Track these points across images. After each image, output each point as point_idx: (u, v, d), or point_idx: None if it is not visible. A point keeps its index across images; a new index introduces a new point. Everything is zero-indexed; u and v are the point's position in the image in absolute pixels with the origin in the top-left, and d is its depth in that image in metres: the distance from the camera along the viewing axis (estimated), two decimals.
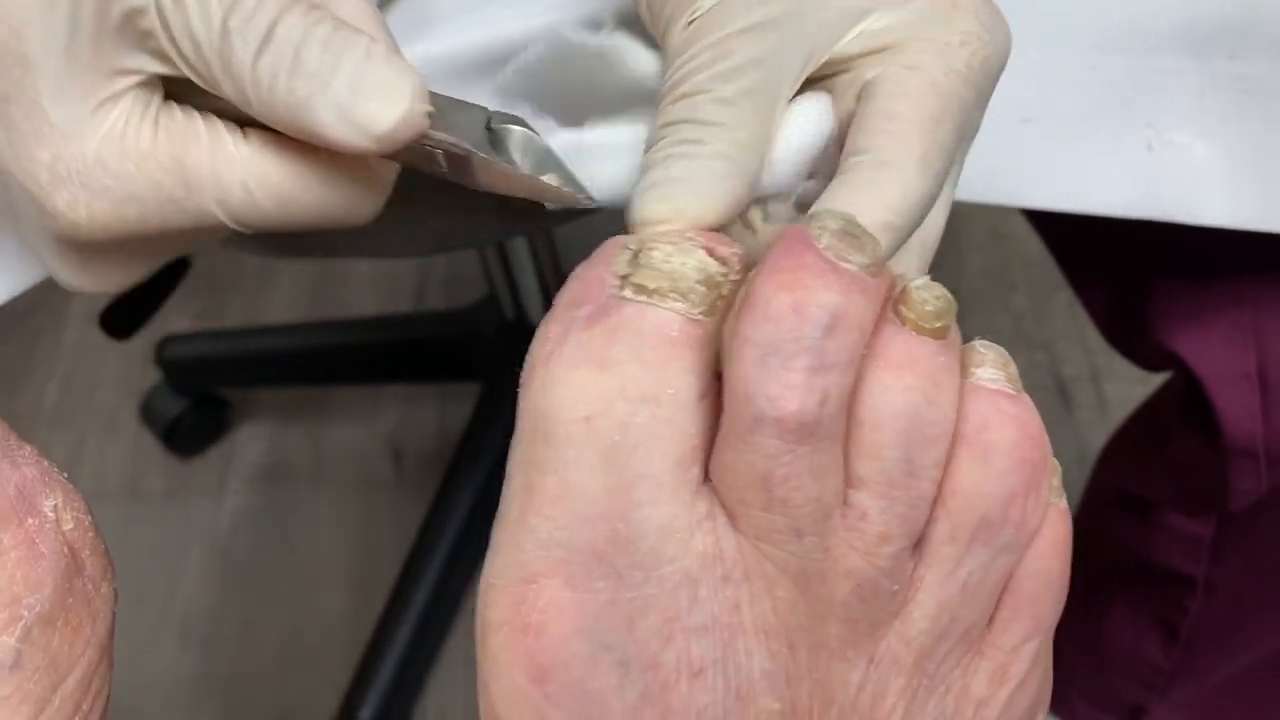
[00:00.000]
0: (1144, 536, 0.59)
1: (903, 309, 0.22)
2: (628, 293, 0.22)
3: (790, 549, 0.21)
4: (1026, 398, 0.23)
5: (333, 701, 0.88)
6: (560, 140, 0.30)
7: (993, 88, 0.28)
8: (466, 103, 0.27)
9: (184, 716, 0.93)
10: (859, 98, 0.26)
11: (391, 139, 0.24)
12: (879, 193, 0.24)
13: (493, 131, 0.27)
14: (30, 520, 0.22)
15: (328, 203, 0.26)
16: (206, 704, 0.93)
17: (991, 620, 0.23)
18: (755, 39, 0.25)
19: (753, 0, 0.25)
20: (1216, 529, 0.55)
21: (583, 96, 0.29)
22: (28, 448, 0.23)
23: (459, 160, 0.26)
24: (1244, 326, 0.45)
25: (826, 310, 0.21)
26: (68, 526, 0.23)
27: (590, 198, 0.27)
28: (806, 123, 0.27)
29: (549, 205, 0.28)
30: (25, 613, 0.22)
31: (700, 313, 0.22)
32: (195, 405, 1.04)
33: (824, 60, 0.26)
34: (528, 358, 0.23)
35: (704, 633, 0.21)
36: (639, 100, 0.29)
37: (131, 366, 1.10)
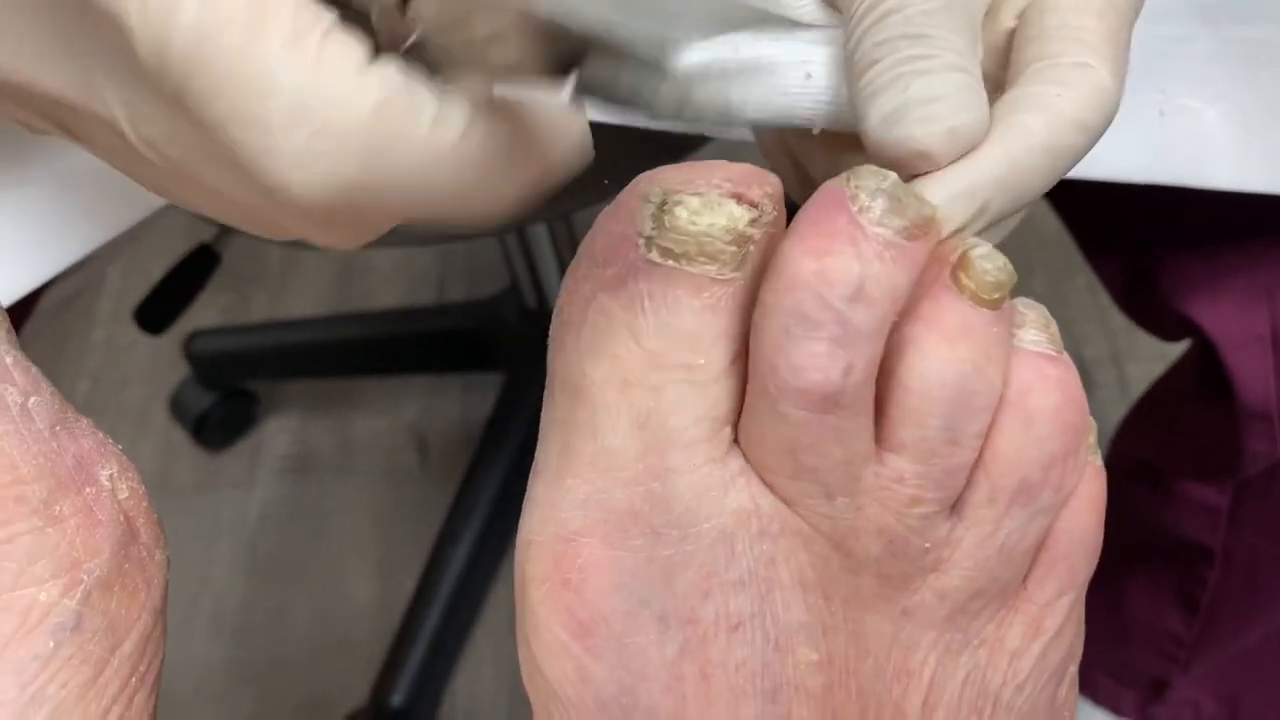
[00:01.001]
0: (1160, 508, 0.59)
1: (962, 276, 0.22)
2: (654, 255, 0.21)
3: (822, 510, 0.22)
4: (1067, 358, 0.23)
5: (363, 688, 0.90)
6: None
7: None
8: None
9: (217, 704, 0.95)
10: (1021, 16, 0.25)
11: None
12: (1084, 92, 0.23)
13: None
14: (88, 489, 0.23)
15: (261, 76, 0.17)
16: (239, 692, 0.95)
17: (1027, 575, 0.24)
18: None
19: None
20: (1232, 499, 0.55)
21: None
22: (84, 420, 0.24)
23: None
24: (1257, 290, 0.45)
25: (853, 279, 0.20)
26: (123, 495, 0.24)
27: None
28: None
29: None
30: (85, 577, 0.23)
31: (731, 270, 0.22)
32: (223, 399, 1.06)
33: None
34: (556, 312, 0.23)
35: (741, 587, 0.21)
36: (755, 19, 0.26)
37: (160, 362, 1.12)
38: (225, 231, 0.69)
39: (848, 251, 0.21)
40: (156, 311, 0.69)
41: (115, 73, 0.18)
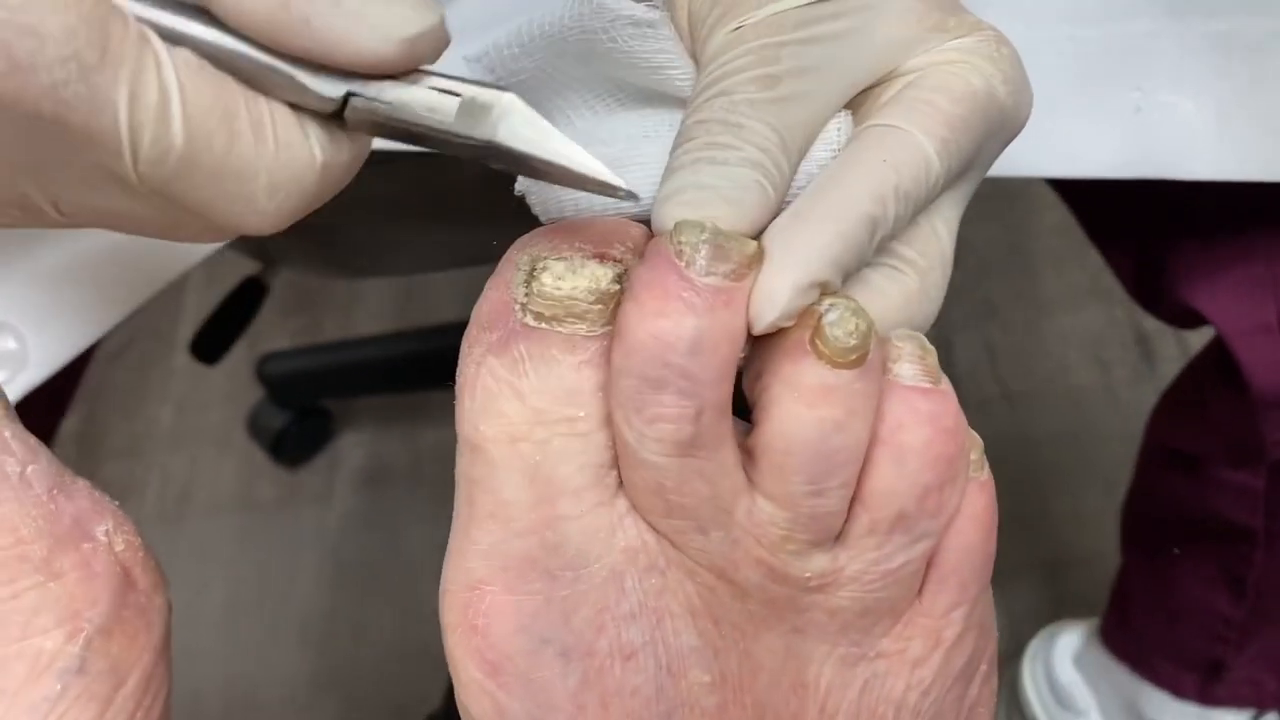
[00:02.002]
0: (1198, 492, 0.59)
1: (818, 342, 0.22)
2: (528, 319, 0.23)
3: (699, 543, 0.23)
4: (944, 387, 0.24)
5: (442, 692, 0.93)
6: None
7: (1008, 143, 0.28)
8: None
9: (303, 712, 0.99)
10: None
11: (415, 48, 0.21)
12: (899, 155, 0.24)
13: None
14: (85, 545, 0.26)
15: (248, 167, 0.21)
16: (325, 699, 0.99)
17: (921, 590, 0.25)
18: (804, 50, 0.25)
19: (810, 16, 0.25)
20: (1267, 480, 0.55)
21: (586, 86, 0.28)
22: (81, 481, 0.27)
23: (478, 110, 0.22)
24: (1262, 278, 0.45)
25: (689, 334, 0.21)
26: (119, 548, 0.26)
27: (632, 194, 0.23)
28: (832, 138, 0.26)
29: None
30: (86, 625, 0.25)
31: (601, 327, 0.23)
32: (298, 418, 1.10)
33: (869, 84, 0.26)
34: (458, 374, 0.24)
35: (633, 619, 0.23)
36: (647, 102, 0.28)
37: (238, 386, 1.17)
38: (270, 264, 0.72)
39: (680, 310, 0.22)
40: (210, 343, 0.73)
41: (56, 175, 0.22)
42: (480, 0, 0.41)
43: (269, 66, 0.21)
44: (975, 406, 1.05)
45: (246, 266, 0.75)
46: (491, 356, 0.23)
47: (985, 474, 0.25)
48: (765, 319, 0.22)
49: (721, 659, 0.23)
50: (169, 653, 0.28)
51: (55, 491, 0.26)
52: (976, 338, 1.09)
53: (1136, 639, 0.71)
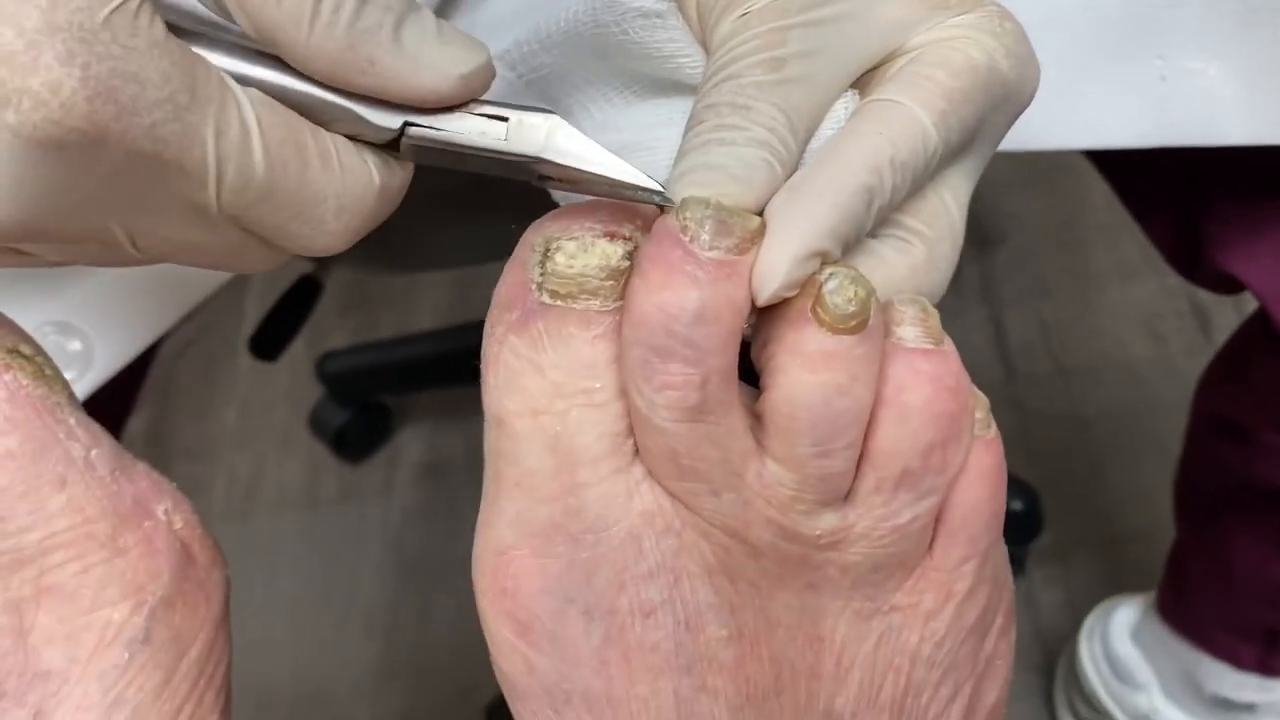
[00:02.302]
0: (1250, 461, 0.59)
1: (818, 309, 0.23)
2: (545, 298, 0.24)
3: (712, 505, 0.24)
4: (946, 347, 0.24)
5: None
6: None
7: (1015, 118, 0.28)
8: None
9: (371, 699, 1.01)
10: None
11: (469, 84, 0.23)
12: (895, 127, 0.24)
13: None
14: (147, 523, 0.27)
15: (318, 192, 0.24)
16: (390, 686, 1.02)
17: (932, 545, 0.25)
18: (809, 32, 0.25)
19: (810, 0, 0.26)
20: None
21: (604, 79, 0.29)
22: (141, 464, 0.28)
23: (525, 132, 0.24)
24: None
25: (693, 305, 0.22)
26: (178, 526, 0.28)
27: (667, 198, 0.24)
28: (839, 117, 0.26)
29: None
30: (149, 598, 0.27)
31: (614, 302, 0.24)
32: (358, 414, 1.13)
33: (875, 62, 0.26)
34: (482, 354, 0.25)
35: (651, 578, 0.24)
36: (662, 91, 0.28)
37: (299, 385, 1.20)
38: (323, 263, 0.74)
39: (684, 282, 0.23)
40: (268, 340, 0.76)
41: (140, 209, 0.24)
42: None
43: (331, 103, 0.24)
44: (1029, 383, 1.04)
45: (301, 266, 0.77)
46: (512, 335, 0.25)
47: (992, 432, 0.26)
48: (767, 289, 0.23)
49: (738, 614, 0.24)
50: (228, 625, 0.29)
51: (117, 473, 0.27)
52: (1029, 314, 1.08)
53: (1193, 611, 0.71)
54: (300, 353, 1.19)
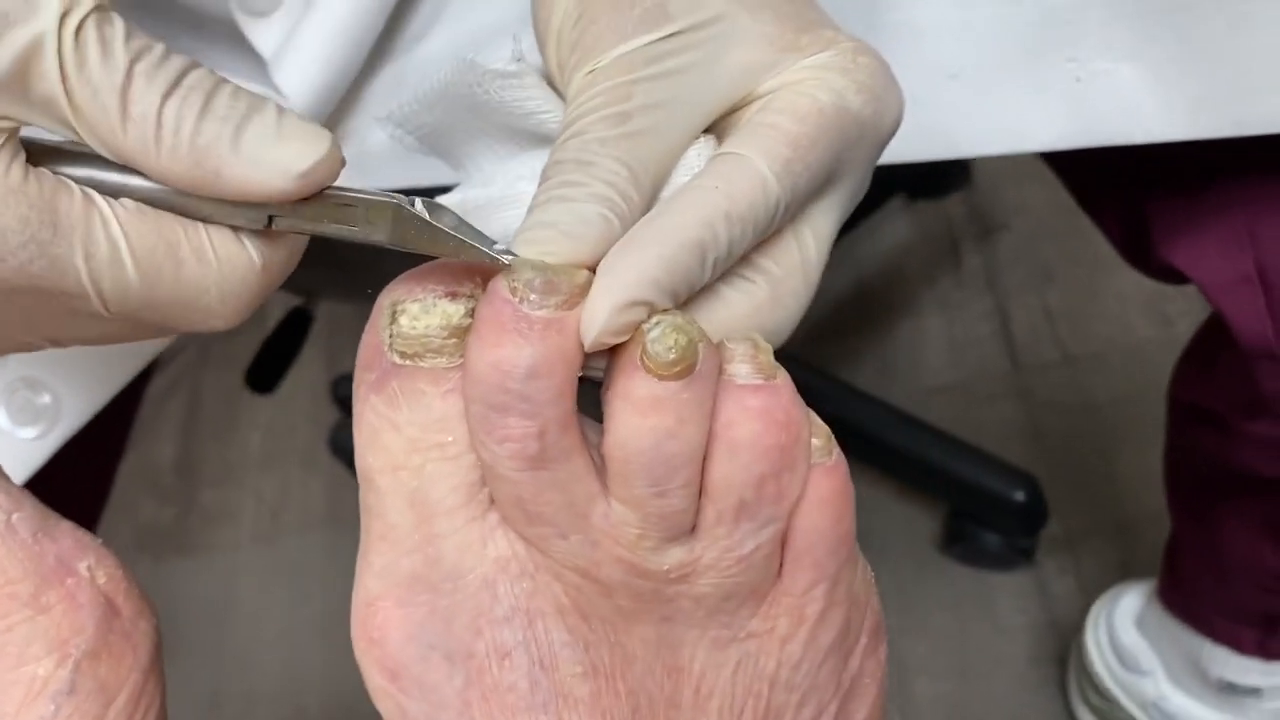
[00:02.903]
0: (1229, 448, 0.58)
1: (644, 358, 0.24)
2: (395, 358, 0.25)
3: (562, 548, 0.25)
4: (777, 381, 0.25)
5: None
6: (458, 197, 0.30)
7: (879, 150, 0.29)
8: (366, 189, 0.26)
9: None
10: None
11: (311, 178, 0.24)
12: (734, 180, 0.25)
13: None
14: (69, 580, 0.29)
15: (198, 285, 0.25)
16: None
17: (780, 571, 0.26)
18: (654, 85, 0.26)
19: (657, 52, 0.27)
20: None
21: (479, 134, 0.30)
22: (65, 523, 0.30)
23: (373, 214, 0.25)
24: (1238, 231, 0.45)
25: (524, 362, 0.24)
26: (101, 581, 0.29)
27: (510, 253, 0.25)
28: (693, 164, 0.27)
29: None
30: (74, 651, 0.28)
31: (459, 358, 0.25)
32: None
33: (726, 110, 0.27)
34: (352, 414, 0.27)
35: (507, 621, 0.25)
36: (537, 143, 0.29)
37: (319, 408, 1.22)
38: (312, 295, 0.76)
39: (515, 341, 0.24)
40: (264, 373, 0.78)
41: (43, 324, 0.26)
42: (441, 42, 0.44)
43: (198, 204, 0.25)
44: (1035, 372, 1.04)
45: (291, 299, 0.79)
46: (372, 395, 0.26)
47: (833, 459, 0.26)
48: (588, 337, 0.24)
49: (593, 651, 0.25)
50: (159, 671, 0.31)
51: (40, 535, 0.29)
52: (1034, 302, 1.08)
53: (1192, 597, 0.71)
54: (318, 377, 1.21)
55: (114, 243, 0.24)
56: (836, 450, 0.26)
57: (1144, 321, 1.04)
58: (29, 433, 0.45)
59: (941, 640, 0.93)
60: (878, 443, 0.94)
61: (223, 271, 0.25)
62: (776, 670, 0.26)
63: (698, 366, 0.24)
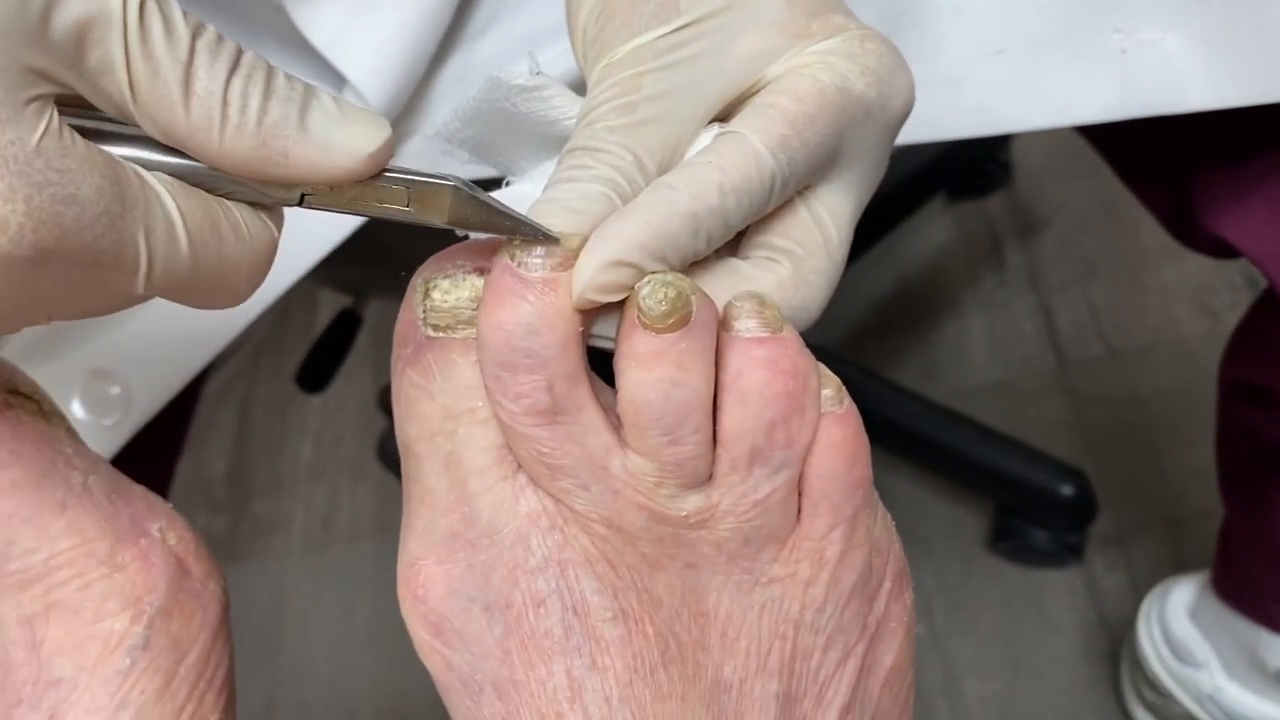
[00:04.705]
0: (1277, 424, 0.58)
1: (639, 314, 0.25)
2: (429, 331, 0.27)
3: (585, 499, 0.26)
4: (783, 334, 0.26)
5: None
6: (506, 193, 0.32)
7: (890, 133, 0.29)
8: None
9: None
10: None
11: (378, 159, 0.25)
12: (731, 160, 0.26)
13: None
14: (142, 540, 0.30)
15: (235, 262, 0.25)
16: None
17: (799, 517, 0.27)
18: (662, 76, 0.28)
19: (667, 44, 0.28)
20: None
21: (517, 143, 0.32)
22: (138, 487, 0.31)
23: (428, 195, 0.26)
24: None
25: (524, 319, 0.25)
26: (172, 542, 0.30)
27: (550, 233, 0.26)
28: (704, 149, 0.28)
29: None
30: (147, 608, 0.29)
31: None
32: None
33: (737, 95, 0.28)
34: (391, 389, 0.28)
35: (540, 571, 0.27)
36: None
37: (367, 417, 1.24)
38: (361, 295, 0.78)
39: (514, 301, 0.25)
40: (314, 374, 0.79)
41: (63, 303, 0.25)
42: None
43: (233, 181, 0.25)
44: (1081, 368, 1.03)
45: (341, 301, 0.80)
46: (408, 368, 0.27)
47: (844, 407, 0.27)
48: (575, 291, 0.25)
49: (621, 597, 0.27)
50: (227, 631, 0.32)
51: (114, 496, 0.30)
52: (1078, 298, 1.07)
53: (1246, 584, 0.70)
54: (366, 388, 1.23)
55: (170, 219, 0.24)
56: (848, 400, 0.28)
57: (1189, 315, 1.03)
58: (107, 422, 0.47)
59: (991, 639, 0.92)
60: (923, 440, 0.94)
61: (254, 248, 0.26)
62: (801, 613, 0.27)
63: (693, 316, 0.25)
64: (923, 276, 1.14)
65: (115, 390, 0.49)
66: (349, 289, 0.70)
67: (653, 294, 0.25)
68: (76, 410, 0.47)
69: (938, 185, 1.12)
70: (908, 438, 0.94)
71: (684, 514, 0.26)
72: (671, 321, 0.25)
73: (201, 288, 0.25)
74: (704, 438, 0.26)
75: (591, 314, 0.26)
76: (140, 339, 0.49)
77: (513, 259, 0.26)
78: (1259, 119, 0.42)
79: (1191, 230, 0.50)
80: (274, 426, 1.28)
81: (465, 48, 0.46)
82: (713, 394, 0.26)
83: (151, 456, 0.56)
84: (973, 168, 1.14)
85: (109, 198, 0.23)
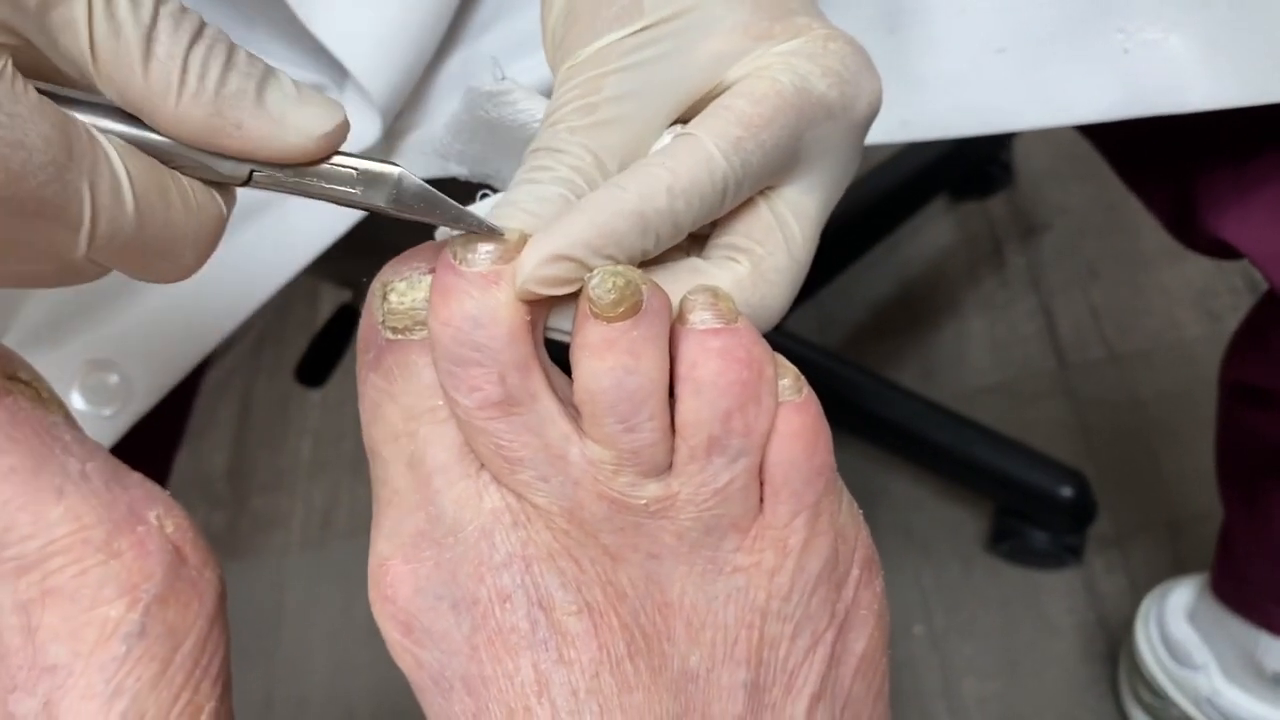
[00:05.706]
0: (1277, 426, 0.58)
1: (589, 305, 0.26)
2: (388, 334, 0.27)
3: (546, 491, 0.26)
4: (737, 326, 0.27)
5: None
6: (481, 206, 0.31)
7: (857, 134, 0.29)
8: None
9: None
10: None
11: (330, 141, 0.25)
12: (683, 161, 0.26)
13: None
14: (140, 527, 0.30)
15: (180, 232, 0.25)
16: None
17: (762, 505, 0.27)
18: (624, 77, 0.28)
19: (629, 45, 0.28)
20: None
21: (501, 151, 0.32)
22: (135, 475, 0.31)
23: (373, 181, 0.26)
24: None
25: (470, 313, 0.25)
26: (169, 530, 0.30)
27: (494, 227, 0.26)
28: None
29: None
30: (143, 595, 0.29)
31: None
32: None
33: (699, 97, 0.28)
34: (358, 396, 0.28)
35: (505, 567, 0.27)
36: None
37: None
38: (359, 289, 0.78)
39: (458, 297, 0.26)
40: (313, 368, 0.79)
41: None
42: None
43: (183, 153, 0.25)
44: (1081, 370, 1.03)
45: (340, 295, 0.80)
46: (371, 373, 0.28)
47: (803, 396, 0.28)
48: (517, 283, 0.26)
49: (585, 591, 0.27)
50: (223, 619, 0.32)
51: (112, 484, 0.30)
52: (1079, 300, 1.07)
53: (1245, 586, 0.70)
54: None
55: (117, 178, 0.24)
56: (807, 389, 0.28)
57: (1190, 317, 1.03)
58: (106, 412, 0.47)
59: (989, 639, 0.92)
60: (923, 441, 0.94)
61: (200, 219, 0.26)
62: (767, 601, 0.27)
63: (644, 305, 0.26)
64: (923, 277, 1.14)
65: (114, 380, 0.49)
66: (349, 283, 0.71)
67: (602, 284, 0.25)
68: (76, 400, 0.47)
69: (939, 186, 1.13)
70: (907, 438, 0.94)
71: (644, 502, 0.26)
72: (622, 310, 0.25)
73: (146, 253, 0.25)
74: (660, 425, 0.26)
75: (546, 307, 0.26)
76: (140, 329, 0.49)
77: (455, 256, 0.26)
78: (1261, 120, 0.42)
79: (1193, 231, 0.50)
80: (274, 422, 1.28)
81: (469, 43, 0.46)
82: (668, 382, 0.26)
83: (150, 448, 0.56)
84: (974, 169, 1.14)
85: (56, 148, 0.23)
